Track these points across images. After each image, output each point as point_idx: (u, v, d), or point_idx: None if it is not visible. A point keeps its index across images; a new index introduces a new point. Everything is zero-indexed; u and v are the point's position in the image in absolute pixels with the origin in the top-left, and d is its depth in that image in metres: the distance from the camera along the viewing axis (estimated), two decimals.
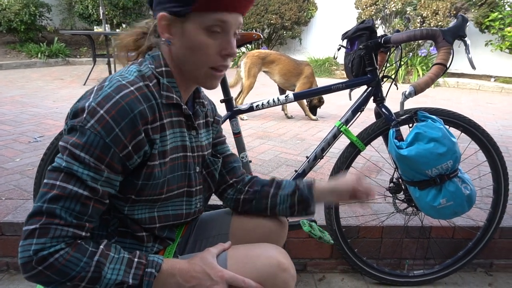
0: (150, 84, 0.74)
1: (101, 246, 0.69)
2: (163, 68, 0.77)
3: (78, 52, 8.05)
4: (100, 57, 6.03)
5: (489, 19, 6.24)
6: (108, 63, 5.43)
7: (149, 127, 0.73)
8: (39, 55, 7.13)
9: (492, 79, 6.66)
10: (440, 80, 6.42)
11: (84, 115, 0.67)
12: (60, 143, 0.69)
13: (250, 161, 1.50)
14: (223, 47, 0.74)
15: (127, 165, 0.72)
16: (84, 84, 5.16)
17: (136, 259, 0.70)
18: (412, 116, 1.28)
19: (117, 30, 7.52)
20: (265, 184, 0.98)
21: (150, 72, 0.76)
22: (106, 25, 5.68)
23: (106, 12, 7.41)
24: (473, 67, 1.13)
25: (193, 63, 0.76)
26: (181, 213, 0.87)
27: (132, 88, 0.71)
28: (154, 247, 0.85)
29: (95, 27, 6.31)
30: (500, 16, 6.17)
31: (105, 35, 5.74)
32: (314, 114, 3.80)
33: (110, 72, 5.47)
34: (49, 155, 1.37)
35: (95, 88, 0.73)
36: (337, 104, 4.39)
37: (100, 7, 5.59)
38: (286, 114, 3.83)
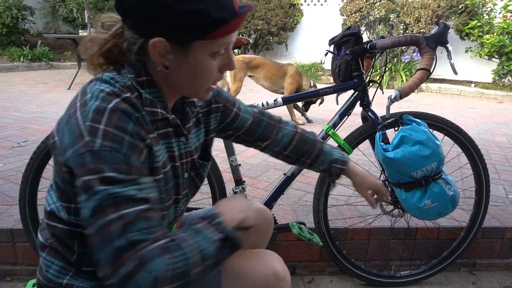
0: (133, 96, 0.68)
1: (176, 236, 0.65)
2: (144, 78, 0.71)
3: (62, 56, 7.92)
4: (85, 61, 5.95)
5: (468, 26, 6.44)
6: None
7: (149, 136, 0.69)
8: (21, 59, 6.98)
9: (473, 85, 6.85)
10: (423, 85, 6.57)
11: (87, 138, 0.61)
12: (78, 183, 0.61)
13: (240, 165, 1.51)
14: (224, 64, 0.73)
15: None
16: (69, 89, 5.08)
17: (204, 223, 0.70)
18: (398, 120, 1.31)
19: None
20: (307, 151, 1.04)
21: (130, 82, 0.69)
22: (92, 29, 5.62)
23: (91, 16, 7.33)
24: (455, 72, 1.17)
25: (194, 85, 0.73)
26: (172, 221, 0.87)
27: (119, 99, 0.66)
28: None
29: (80, 31, 6.23)
30: (479, 24, 6.37)
31: None
32: (307, 109, 3.83)
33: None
34: (35, 159, 1.35)
35: (78, 105, 0.66)
36: (323, 109, 4.44)
37: (86, 11, 5.53)
38: None
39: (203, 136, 0.91)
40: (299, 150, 1.05)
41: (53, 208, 0.77)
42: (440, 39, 1.16)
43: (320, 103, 3.89)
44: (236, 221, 0.73)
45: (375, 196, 1.10)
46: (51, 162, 1.36)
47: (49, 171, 1.96)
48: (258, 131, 1.00)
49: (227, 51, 0.72)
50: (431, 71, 1.15)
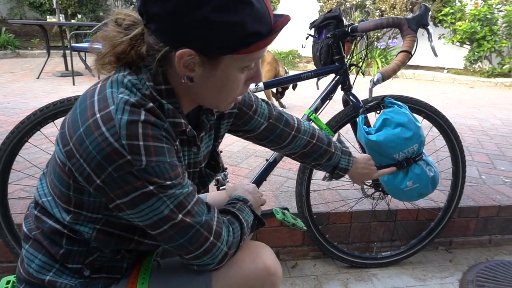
0: (155, 106, 0.64)
1: (229, 215, 0.79)
2: (163, 86, 0.66)
3: (29, 44, 7.54)
4: (55, 49, 5.69)
5: (441, 13, 6.57)
6: (64, 56, 5.14)
7: (176, 144, 0.69)
8: None
9: (445, 71, 7.04)
10: (398, 72, 6.69)
11: (128, 158, 0.59)
12: (133, 196, 0.62)
13: (221, 151, 1.48)
14: (251, 77, 0.70)
15: None
16: (38, 78, 4.85)
17: (236, 208, 0.82)
18: (380, 103, 1.32)
19: (72, 20, 7.13)
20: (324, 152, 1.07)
21: (149, 91, 0.64)
22: (60, 15, 5.36)
23: (60, 1, 6.99)
24: (435, 55, 1.18)
25: (217, 98, 0.70)
26: None
27: (145, 111, 0.62)
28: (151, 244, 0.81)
29: (48, 17, 5.93)
30: (451, 11, 6.52)
31: (60, 25, 5.42)
32: (282, 96, 3.85)
33: (66, 66, 5.18)
34: (4, 151, 1.27)
35: (98, 116, 0.60)
36: (302, 96, 4.45)
37: None
38: None
39: (212, 143, 0.87)
40: (306, 157, 1.07)
41: (45, 201, 0.73)
42: (421, 21, 1.16)
43: (294, 87, 3.89)
44: (258, 203, 0.92)
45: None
46: (21, 153, 1.29)
47: (19, 164, 1.87)
48: (270, 137, 0.99)
49: (256, 65, 0.69)
50: (412, 53, 1.15)
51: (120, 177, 0.60)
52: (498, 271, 1.61)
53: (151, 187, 0.62)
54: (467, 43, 6.64)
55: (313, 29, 1.46)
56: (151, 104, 0.64)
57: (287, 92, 3.91)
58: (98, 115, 0.61)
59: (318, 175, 2.08)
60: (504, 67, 6.49)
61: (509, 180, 2.16)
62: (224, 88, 0.67)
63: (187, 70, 0.63)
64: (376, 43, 6.74)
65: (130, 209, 0.64)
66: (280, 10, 8.09)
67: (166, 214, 0.64)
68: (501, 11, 6.40)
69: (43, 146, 2.20)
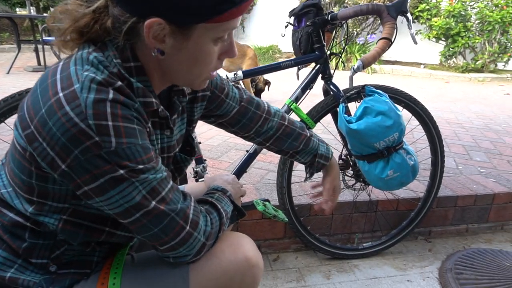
0: (124, 85, 0.60)
1: (207, 205, 0.76)
2: (132, 64, 0.62)
3: None
4: (26, 43, 5.47)
5: (418, 9, 6.70)
6: (36, 50, 4.94)
7: (148, 126, 0.65)
8: None
9: (422, 66, 7.18)
10: (377, 67, 6.78)
11: (96, 139, 0.55)
12: (102, 181, 0.57)
13: (200, 143, 1.44)
14: (225, 51, 0.66)
15: None
16: (8, 73, 4.64)
17: (214, 198, 0.79)
18: (360, 91, 1.30)
19: (45, 14, 6.86)
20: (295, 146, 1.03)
21: (116, 69, 0.60)
22: (32, 8, 5.14)
23: None
24: (415, 42, 1.18)
25: (190, 73, 0.66)
26: None
27: (114, 89, 0.58)
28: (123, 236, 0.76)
29: (17, 9, 5.69)
30: (427, 7, 6.65)
31: (31, 18, 5.20)
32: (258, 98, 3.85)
33: (38, 60, 4.98)
34: None
35: (61, 95, 0.56)
36: (281, 90, 4.43)
37: None
38: None
39: (185, 127, 0.84)
40: (281, 143, 1.02)
41: (4, 193, 0.67)
42: (401, 8, 1.15)
43: (268, 86, 3.91)
44: (238, 194, 0.91)
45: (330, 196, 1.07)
46: None
47: None
48: (242, 121, 0.95)
49: (229, 37, 0.65)
50: (392, 40, 1.14)
51: (88, 160, 0.56)
52: (475, 258, 1.64)
53: (121, 171, 0.57)
54: (443, 39, 6.80)
55: (292, 18, 1.44)
56: (119, 83, 0.59)
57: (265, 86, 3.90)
58: (61, 94, 0.56)
59: (300, 166, 2.06)
60: (477, 63, 6.68)
61: (485, 170, 2.21)
62: (197, 61, 0.64)
63: (157, 41, 0.59)
64: (355, 33, 6.80)
65: (99, 196, 0.59)
66: (260, 5, 8.06)
67: (138, 201, 0.60)
68: (474, 8, 6.58)
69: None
